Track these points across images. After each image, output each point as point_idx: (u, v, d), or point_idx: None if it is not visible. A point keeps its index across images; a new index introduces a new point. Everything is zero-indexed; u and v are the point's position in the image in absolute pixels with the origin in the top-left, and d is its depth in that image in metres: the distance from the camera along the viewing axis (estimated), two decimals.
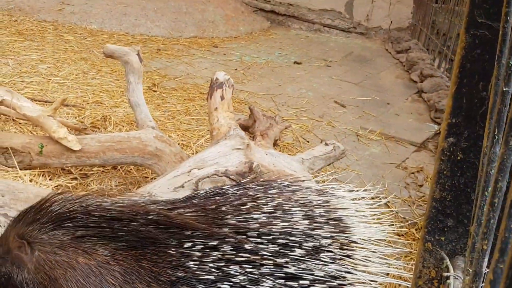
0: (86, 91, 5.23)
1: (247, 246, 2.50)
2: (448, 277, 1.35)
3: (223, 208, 2.65)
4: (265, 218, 2.61)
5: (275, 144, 4.16)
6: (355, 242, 2.69)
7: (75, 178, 3.86)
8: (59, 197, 2.62)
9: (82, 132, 4.30)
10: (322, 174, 3.70)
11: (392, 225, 2.95)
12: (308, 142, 4.84)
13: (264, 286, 2.47)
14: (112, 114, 4.75)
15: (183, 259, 2.50)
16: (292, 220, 2.60)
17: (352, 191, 2.99)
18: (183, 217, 2.53)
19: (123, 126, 4.61)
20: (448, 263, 1.40)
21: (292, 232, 2.58)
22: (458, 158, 1.41)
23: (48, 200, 2.60)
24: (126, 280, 2.48)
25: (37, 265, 2.48)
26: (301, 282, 2.50)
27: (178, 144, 4.31)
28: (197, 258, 2.51)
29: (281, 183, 2.92)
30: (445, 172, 1.42)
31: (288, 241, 2.55)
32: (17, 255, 2.51)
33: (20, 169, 3.69)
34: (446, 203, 1.44)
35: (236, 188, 2.80)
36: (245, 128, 4.29)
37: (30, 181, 3.65)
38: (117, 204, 2.59)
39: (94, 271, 2.50)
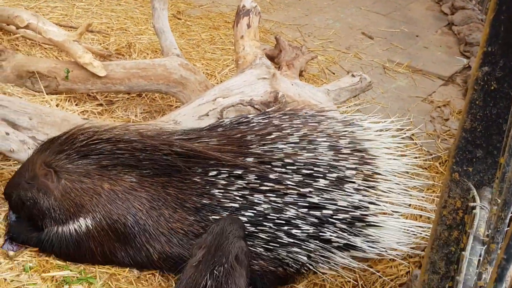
0: (111, 17, 5.18)
1: (271, 176, 2.51)
2: (474, 207, 1.34)
3: (248, 138, 2.65)
4: (290, 148, 2.61)
5: (300, 75, 4.11)
6: (379, 174, 2.69)
7: (101, 105, 3.88)
8: (85, 128, 2.65)
9: (107, 59, 4.28)
10: (347, 106, 3.66)
11: (416, 158, 2.94)
12: (334, 74, 4.78)
13: (287, 214, 2.50)
14: (137, 41, 4.72)
15: (208, 187, 2.54)
16: (317, 150, 2.60)
17: (378, 122, 2.96)
18: (208, 149, 2.54)
19: (147, 54, 4.58)
20: (475, 193, 1.39)
21: (317, 163, 2.58)
22: (492, 88, 1.37)
23: (74, 131, 2.63)
24: (152, 206, 2.54)
25: (63, 192, 2.55)
26: (324, 211, 2.53)
27: (203, 73, 4.28)
28: (222, 186, 2.54)
29: (306, 113, 2.90)
30: (477, 102, 1.39)
31: (312, 171, 2.56)
32: (43, 183, 2.56)
33: (47, 94, 3.72)
34: (477, 133, 1.42)
35: (261, 117, 2.79)
36: (270, 58, 4.23)
37: (57, 106, 3.68)
38: (141, 135, 2.61)
39: (120, 197, 2.55)
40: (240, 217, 2.44)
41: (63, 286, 2.52)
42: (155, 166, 2.58)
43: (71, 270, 2.59)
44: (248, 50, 3.40)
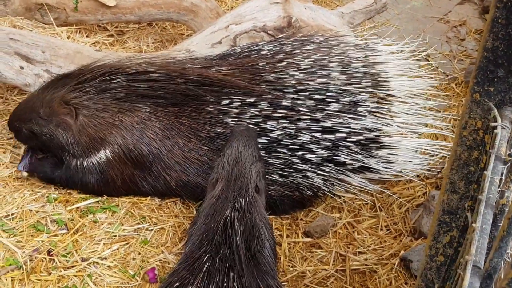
0: None
1: (284, 102, 2.51)
2: (495, 127, 1.34)
3: (259, 65, 2.63)
4: (302, 74, 2.59)
5: None
6: (393, 96, 2.68)
7: (111, 35, 3.85)
8: (99, 63, 2.64)
9: None
10: (361, 29, 3.59)
11: (431, 78, 2.91)
12: None
13: (301, 139, 2.52)
14: None
15: (221, 116, 2.55)
16: (329, 76, 2.58)
17: (391, 44, 2.91)
18: (223, 74, 2.53)
19: None
20: (496, 113, 1.38)
21: (329, 88, 2.57)
22: None
23: (88, 67, 2.63)
24: (166, 135, 2.56)
25: (82, 129, 2.57)
26: (338, 134, 2.54)
27: None
28: (234, 115, 2.55)
29: (318, 38, 2.85)
30: (499, 21, 1.36)
31: (325, 96, 2.55)
32: (63, 119, 2.59)
33: (57, 26, 3.68)
34: (498, 52, 1.39)
35: (272, 45, 2.76)
36: None
37: (68, 38, 3.66)
38: (155, 65, 2.59)
39: (136, 127, 2.57)
40: None
41: (87, 215, 2.59)
42: (169, 95, 2.58)
43: (94, 199, 2.66)
44: None
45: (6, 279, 2.27)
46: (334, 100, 2.56)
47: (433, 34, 4.20)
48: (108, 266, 2.38)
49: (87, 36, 3.75)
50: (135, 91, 2.59)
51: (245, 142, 2.27)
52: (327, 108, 2.55)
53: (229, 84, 2.53)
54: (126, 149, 2.57)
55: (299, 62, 2.62)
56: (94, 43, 3.71)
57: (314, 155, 2.53)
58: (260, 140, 2.50)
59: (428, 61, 3.67)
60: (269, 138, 2.53)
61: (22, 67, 2.84)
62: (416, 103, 2.69)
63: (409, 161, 2.69)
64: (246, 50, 2.78)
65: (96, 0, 3.61)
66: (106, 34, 3.83)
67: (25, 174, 2.70)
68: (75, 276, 2.32)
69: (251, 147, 2.26)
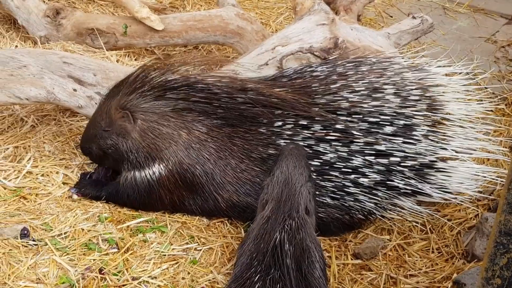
0: None
1: (337, 125, 2.50)
2: None
3: (313, 87, 2.63)
4: (356, 96, 2.58)
5: (358, 19, 4.02)
6: (448, 120, 2.64)
7: (159, 58, 3.91)
8: (155, 67, 2.63)
9: (161, 12, 4.28)
10: (408, 50, 3.57)
11: (482, 101, 2.86)
12: (392, 17, 4.65)
13: (354, 163, 2.50)
14: None
15: (274, 137, 2.55)
16: (383, 98, 2.56)
17: (446, 66, 2.87)
18: (284, 94, 2.53)
19: (201, 6, 4.56)
20: None
21: (384, 111, 2.54)
22: None
23: (144, 70, 2.63)
24: (220, 156, 2.57)
25: (142, 133, 2.58)
26: (392, 159, 2.51)
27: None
28: (287, 136, 2.55)
29: (371, 60, 2.84)
30: None
31: (379, 119, 2.53)
32: (121, 125, 2.61)
33: (107, 50, 3.78)
34: None
35: (325, 66, 2.76)
36: (327, 3, 4.14)
37: (117, 61, 3.74)
38: (217, 79, 2.59)
39: (193, 147, 2.59)
40: None
41: (137, 234, 2.62)
42: (226, 115, 2.58)
43: (144, 218, 2.69)
44: None
45: None
46: (389, 123, 2.53)
47: (480, 54, 4.14)
48: (158, 286, 2.39)
49: (135, 60, 3.83)
50: (194, 104, 2.58)
51: (295, 162, 2.26)
52: (381, 132, 2.53)
53: (289, 104, 2.52)
54: (180, 169, 2.58)
55: (353, 84, 2.61)
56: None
57: (367, 179, 2.51)
58: (312, 163, 2.49)
59: (479, 84, 3.61)
60: (321, 161, 2.51)
61: (75, 90, 2.91)
62: (473, 127, 2.65)
63: (462, 185, 2.63)
64: (299, 71, 2.79)
65: (144, 24, 3.70)
66: (153, 57, 3.91)
67: (75, 197, 2.76)
68: None
69: (301, 167, 2.25)
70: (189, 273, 2.46)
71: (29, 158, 2.96)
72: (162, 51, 4.00)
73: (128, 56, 3.83)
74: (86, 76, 3.10)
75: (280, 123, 2.55)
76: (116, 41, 3.80)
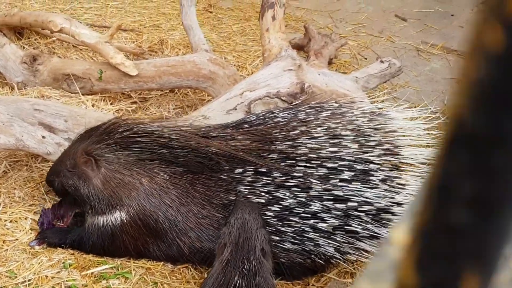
0: (143, 14, 5.27)
1: (295, 173, 2.55)
2: None
3: (273, 134, 2.68)
4: (315, 142, 2.63)
5: (330, 62, 4.11)
6: (406, 164, 2.68)
7: (135, 102, 3.98)
8: (125, 121, 2.73)
9: (140, 57, 4.38)
10: (378, 94, 3.64)
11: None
12: (366, 59, 4.75)
13: (312, 208, 2.53)
14: (169, 38, 4.80)
15: (234, 184, 2.59)
16: (341, 144, 2.61)
17: (406, 110, 2.94)
18: (236, 150, 2.58)
19: (179, 50, 4.65)
20: None
21: (342, 156, 2.59)
22: None
23: (114, 123, 2.71)
24: (182, 203, 2.61)
25: (103, 180, 2.64)
26: (349, 204, 2.55)
27: (234, 65, 4.33)
28: (248, 183, 2.59)
29: (332, 105, 2.90)
30: None
31: (337, 165, 2.58)
32: (83, 170, 2.66)
33: (83, 95, 3.84)
34: None
35: (286, 112, 2.82)
36: (300, 47, 4.24)
37: (93, 105, 3.80)
38: (180, 133, 2.66)
39: (154, 194, 2.63)
40: (266, 213, 2.49)
41: (100, 281, 2.63)
42: (187, 163, 2.65)
43: (108, 265, 2.71)
44: (274, 42, 3.43)
45: None
46: (347, 169, 2.58)
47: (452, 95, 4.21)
48: None
49: (111, 104, 3.89)
50: (157, 154, 2.65)
51: (249, 210, 2.33)
52: (339, 177, 2.58)
53: (242, 159, 2.58)
54: (142, 215, 2.62)
55: (312, 130, 2.67)
56: (117, 110, 3.85)
57: (325, 224, 2.54)
58: (272, 208, 2.54)
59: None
60: (281, 206, 2.55)
61: (44, 137, 2.96)
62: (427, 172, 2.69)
63: None
64: (261, 117, 2.85)
65: (119, 70, 3.77)
66: (129, 101, 3.97)
67: (37, 247, 2.79)
68: None
69: (255, 215, 2.32)
70: None
71: None
72: (139, 94, 4.06)
73: (103, 100, 3.89)
74: (57, 123, 3.15)
75: (240, 170, 2.60)
76: (91, 86, 3.87)
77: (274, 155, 2.58)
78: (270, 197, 2.53)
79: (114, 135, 2.67)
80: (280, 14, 3.55)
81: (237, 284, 2.19)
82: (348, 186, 2.53)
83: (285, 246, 2.55)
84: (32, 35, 4.49)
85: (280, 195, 2.53)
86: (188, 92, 4.14)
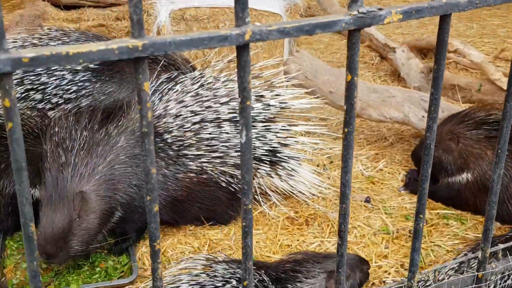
0: None
1: None
2: None
3: None
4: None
5: None
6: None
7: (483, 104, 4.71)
8: (480, 108, 3.60)
9: None
10: None
11: None
12: None
13: None
14: None
15: None
16: None
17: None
18: None
19: None
20: None
21: None
22: None
23: (471, 109, 3.61)
24: None
25: (460, 153, 3.54)
26: None
27: None
28: None
29: None
30: None
31: None
32: (447, 145, 3.61)
33: (462, 102, 4.78)
34: None
35: None
36: None
37: None
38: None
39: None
40: None
41: (443, 220, 3.52)
42: None
43: (449, 211, 3.57)
44: None
45: None
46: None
47: None
48: None
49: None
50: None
51: None
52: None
53: None
54: (483, 178, 3.42)
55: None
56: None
57: None
58: None
59: None
60: None
61: (423, 116, 4.02)
62: None
63: None
64: None
65: (496, 84, 4.58)
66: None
67: (403, 192, 3.83)
68: None
69: None
70: None
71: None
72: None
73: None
74: None
75: None
76: (471, 96, 4.77)
77: None
78: None
79: (471, 119, 3.54)
80: None
81: None
82: None
83: None
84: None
85: None
86: None
